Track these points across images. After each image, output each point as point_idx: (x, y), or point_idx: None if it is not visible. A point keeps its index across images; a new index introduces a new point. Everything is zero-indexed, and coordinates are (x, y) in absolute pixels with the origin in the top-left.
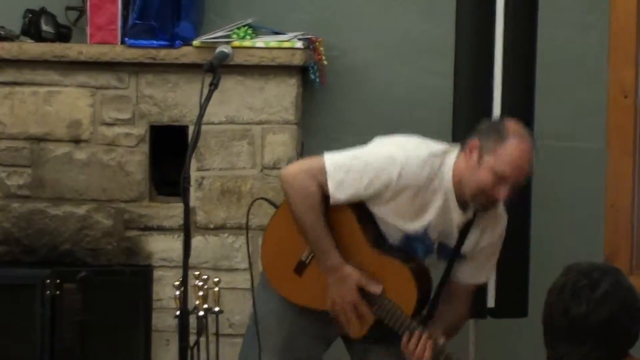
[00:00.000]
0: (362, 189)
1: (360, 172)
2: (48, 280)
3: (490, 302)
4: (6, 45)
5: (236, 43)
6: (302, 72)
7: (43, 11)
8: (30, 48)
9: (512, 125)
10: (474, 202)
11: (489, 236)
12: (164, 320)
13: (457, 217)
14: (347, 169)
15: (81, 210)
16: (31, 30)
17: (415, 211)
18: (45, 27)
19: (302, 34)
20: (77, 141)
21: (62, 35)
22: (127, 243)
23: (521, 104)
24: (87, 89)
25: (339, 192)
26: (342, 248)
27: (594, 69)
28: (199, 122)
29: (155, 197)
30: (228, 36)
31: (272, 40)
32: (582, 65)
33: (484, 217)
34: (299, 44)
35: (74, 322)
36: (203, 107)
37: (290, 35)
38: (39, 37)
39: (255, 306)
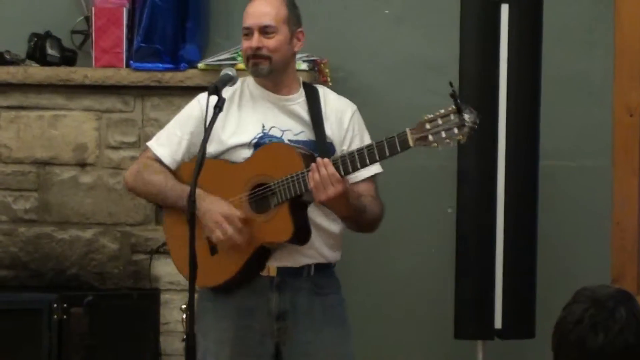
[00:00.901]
0: (177, 131)
1: (171, 123)
2: (55, 305)
3: (498, 324)
4: (12, 69)
5: (241, 65)
6: None
7: (48, 35)
8: (36, 72)
9: None
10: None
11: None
12: (172, 343)
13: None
14: (164, 129)
15: (87, 234)
16: (36, 54)
17: (248, 119)
18: (50, 51)
19: (307, 56)
20: (82, 165)
21: (68, 59)
22: (133, 267)
23: (526, 124)
24: (93, 112)
25: (158, 146)
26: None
27: (599, 88)
28: (203, 145)
29: (162, 220)
30: (233, 58)
31: None
32: (587, 84)
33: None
34: (304, 66)
35: (81, 346)
36: (208, 130)
37: (296, 57)
38: (44, 61)
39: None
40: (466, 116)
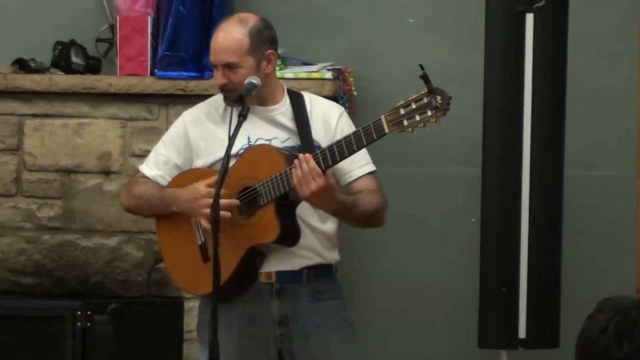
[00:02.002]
0: (164, 151)
1: (159, 143)
2: (79, 312)
3: (522, 333)
4: (37, 77)
5: None
6: None
7: (73, 43)
8: (61, 80)
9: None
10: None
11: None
12: (195, 351)
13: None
14: (152, 150)
15: (111, 241)
16: (61, 62)
17: (226, 135)
18: (75, 59)
19: (332, 65)
20: (107, 173)
21: (92, 67)
22: (157, 274)
23: (551, 134)
24: (117, 120)
25: (147, 168)
26: None
27: (624, 98)
28: (227, 153)
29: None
30: None
31: (301, 71)
32: (611, 94)
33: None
34: (329, 75)
35: (105, 354)
36: (232, 138)
37: (320, 65)
38: (69, 69)
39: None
40: (438, 98)
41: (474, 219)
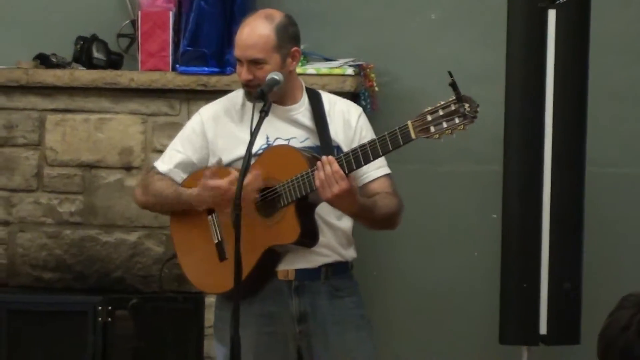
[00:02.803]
0: (180, 147)
1: (175, 139)
2: (100, 307)
3: (543, 329)
4: (58, 72)
5: None
6: (354, 98)
7: (94, 38)
8: (82, 75)
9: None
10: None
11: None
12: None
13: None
14: (168, 147)
15: (132, 237)
16: (83, 57)
17: (244, 132)
18: (96, 54)
19: (353, 61)
20: (128, 168)
21: (114, 62)
22: (178, 270)
23: (573, 132)
24: (139, 115)
25: (162, 164)
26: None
27: None
28: (249, 149)
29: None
30: None
31: (323, 67)
32: (633, 91)
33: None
34: (350, 71)
35: (126, 349)
36: (254, 134)
37: (341, 61)
38: (90, 64)
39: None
40: (467, 106)
41: (495, 216)
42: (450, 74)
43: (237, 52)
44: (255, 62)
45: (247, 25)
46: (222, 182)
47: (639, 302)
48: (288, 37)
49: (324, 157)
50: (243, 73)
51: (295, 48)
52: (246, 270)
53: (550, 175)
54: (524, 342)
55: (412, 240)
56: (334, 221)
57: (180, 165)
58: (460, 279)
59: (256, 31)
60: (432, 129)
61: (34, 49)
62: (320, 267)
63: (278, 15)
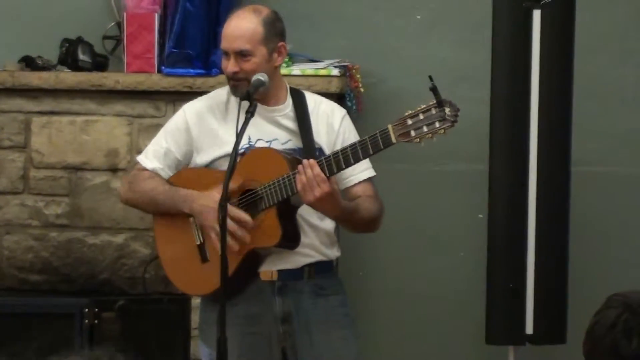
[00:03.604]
0: (164, 143)
1: (158, 135)
2: (86, 309)
3: (529, 329)
4: (44, 74)
5: None
6: (339, 99)
7: (80, 40)
8: (68, 77)
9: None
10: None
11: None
12: None
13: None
14: (151, 142)
15: (119, 239)
16: (68, 59)
17: (233, 131)
18: (82, 57)
19: (339, 61)
20: (114, 170)
21: (99, 64)
22: (164, 271)
23: (558, 130)
24: (124, 117)
25: (146, 160)
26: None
27: (632, 94)
28: (235, 150)
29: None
30: None
31: (308, 68)
32: (619, 90)
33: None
34: (336, 72)
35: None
36: (239, 135)
37: (327, 62)
38: (76, 66)
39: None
40: (447, 110)
41: (481, 215)
42: (430, 78)
43: (224, 44)
44: (241, 54)
45: (235, 18)
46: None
47: (625, 301)
48: (275, 31)
49: (305, 161)
50: (230, 65)
51: (281, 43)
52: (229, 270)
53: (535, 175)
54: (511, 342)
55: (398, 240)
56: (316, 222)
57: (165, 161)
58: (447, 279)
59: (243, 23)
60: (413, 133)
61: (19, 52)
62: (303, 267)
63: (265, 10)
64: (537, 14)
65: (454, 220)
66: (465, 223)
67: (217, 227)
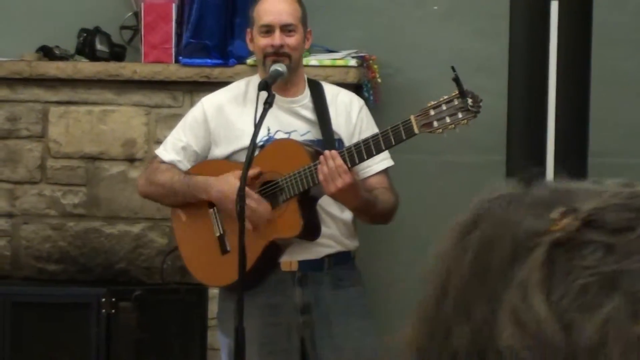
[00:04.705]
0: (182, 136)
1: (177, 128)
2: (103, 299)
3: None
4: (61, 64)
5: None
6: (356, 90)
7: (97, 30)
8: (85, 67)
9: None
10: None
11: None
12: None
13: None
14: (170, 135)
15: (136, 228)
16: (86, 49)
17: (247, 123)
18: (99, 47)
19: (356, 52)
20: (131, 160)
21: (117, 54)
22: (181, 261)
23: (576, 122)
24: (142, 107)
25: (164, 152)
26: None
27: None
28: (253, 141)
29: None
30: None
31: (325, 59)
32: (637, 82)
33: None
34: (353, 62)
35: (130, 340)
36: (257, 126)
37: (344, 53)
38: (93, 56)
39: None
40: (469, 100)
41: None
42: (453, 68)
43: (268, 17)
44: (287, 28)
45: None
46: (234, 179)
47: None
48: (306, 15)
49: (326, 152)
50: (276, 38)
51: (309, 29)
52: (249, 262)
53: (552, 167)
54: None
55: (415, 232)
56: (336, 212)
57: (184, 154)
58: None
59: (287, 1)
60: (435, 123)
61: (36, 42)
62: (323, 257)
63: None
64: (554, 5)
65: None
66: None
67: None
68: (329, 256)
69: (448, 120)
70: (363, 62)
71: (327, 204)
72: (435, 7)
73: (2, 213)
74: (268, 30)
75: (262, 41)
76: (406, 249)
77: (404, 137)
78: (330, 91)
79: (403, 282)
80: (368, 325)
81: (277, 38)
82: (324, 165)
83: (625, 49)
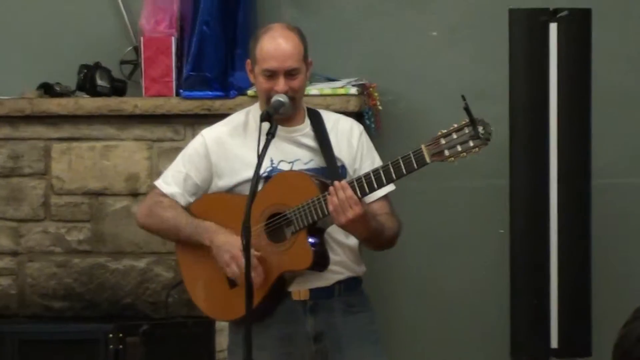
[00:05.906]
0: (182, 168)
1: (177, 160)
2: (111, 335)
3: (554, 343)
4: (62, 101)
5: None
6: (358, 118)
7: (98, 66)
8: (86, 103)
9: (266, 26)
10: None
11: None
12: None
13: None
14: (169, 167)
15: (141, 263)
16: (86, 85)
17: (255, 153)
18: (100, 82)
19: (356, 80)
20: (135, 194)
21: (117, 89)
22: (188, 295)
23: (578, 144)
24: (144, 142)
25: (164, 185)
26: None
27: None
28: (257, 172)
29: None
30: None
31: (326, 87)
32: (638, 101)
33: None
34: (353, 90)
35: None
36: (260, 157)
37: (344, 81)
38: (94, 91)
39: None
40: (480, 128)
41: (502, 231)
42: (463, 97)
43: (273, 63)
44: (290, 73)
45: (278, 37)
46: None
47: None
48: (307, 47)
49: (336, 182)
50: (280, 85)
51: (310, 60)
52: (259, 296)
53: (556, 189)
54: (536, 356)
55: (420, 256)
56: (342, 239)
57: (184, 187)
58: (470, 295)
59: (290, 40)
60: (447, 152)
61: (37, 79)
62: (333, 284)
63: (293, 26)
64: (553, 28)
65: (475, 236)
66: (487, 239)
67: (241, 261)
68: (339, 283)
69: (459, 148)
70: (363, 90)
71: (333, 231)
72: (435, 33)
73: (7, 251)
74: (271, 75)
75: (265, 84)
76: (413, 274)
77: (416, 167)
78: (330, 118)
79: (408, 307)
80: (380, 350)
81: (281, 85)
82: (334, 197)
83: (626, 69)
